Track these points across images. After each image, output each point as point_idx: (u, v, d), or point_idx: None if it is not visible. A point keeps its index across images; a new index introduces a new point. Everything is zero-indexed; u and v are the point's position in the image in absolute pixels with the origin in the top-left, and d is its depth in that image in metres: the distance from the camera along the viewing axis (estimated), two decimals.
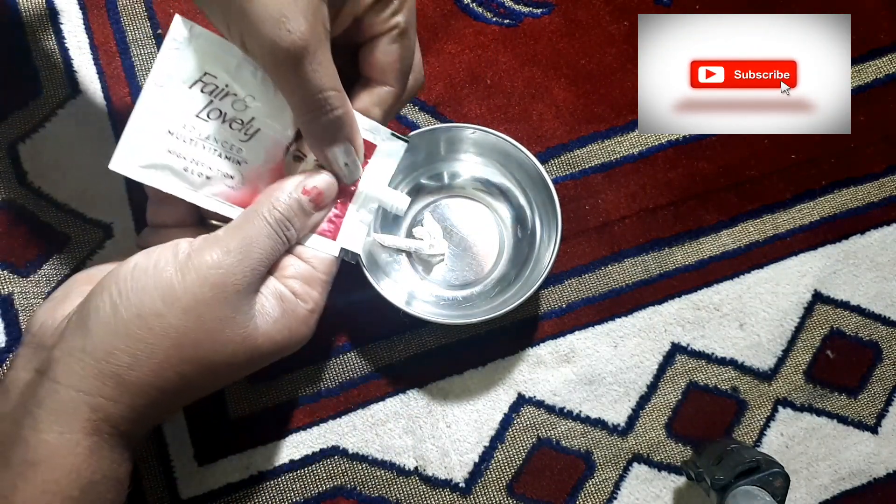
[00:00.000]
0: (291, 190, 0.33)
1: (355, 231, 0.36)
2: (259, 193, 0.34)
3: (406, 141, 0.36)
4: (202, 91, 0.32)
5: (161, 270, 0.29)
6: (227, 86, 0.32)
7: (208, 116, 0.32)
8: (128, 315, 0.29)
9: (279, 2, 0.27)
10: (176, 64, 0.31)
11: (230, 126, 0.33)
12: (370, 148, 0.35)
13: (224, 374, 0.32)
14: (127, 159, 0.32)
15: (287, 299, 0.33)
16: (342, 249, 0.35)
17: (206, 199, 0.33)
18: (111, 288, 0.29)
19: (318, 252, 0.35)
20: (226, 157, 0.33)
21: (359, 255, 0.36)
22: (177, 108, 0.32)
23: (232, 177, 0.33)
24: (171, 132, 0.32)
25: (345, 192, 0.35)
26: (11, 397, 0.29)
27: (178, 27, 0.31)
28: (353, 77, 0.34)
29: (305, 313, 0.33)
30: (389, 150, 0.36)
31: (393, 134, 0.35)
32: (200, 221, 0.37)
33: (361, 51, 0.33)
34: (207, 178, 0.33)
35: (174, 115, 0.32)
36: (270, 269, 0.33)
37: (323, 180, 0.34)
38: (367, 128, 0.34)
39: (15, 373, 0.30)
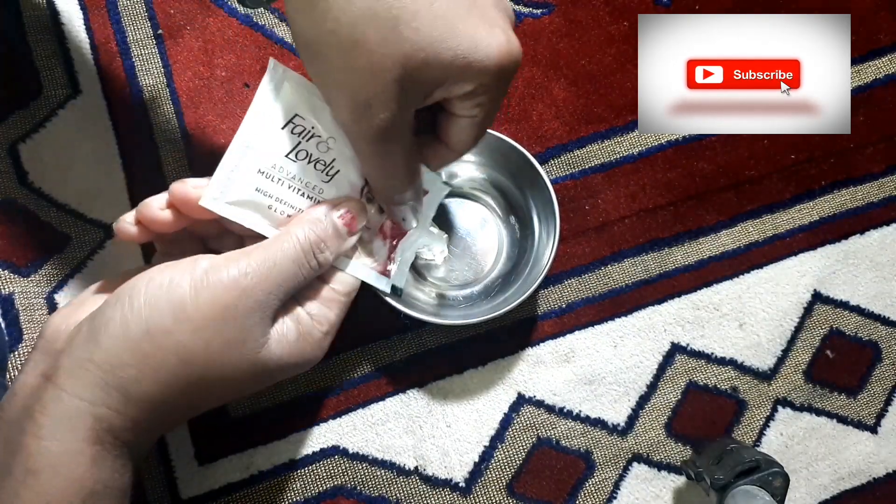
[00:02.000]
0: (327, 212, 0.33)
1: (402, 269, 0.38)
2: None
3: (450, 186, 0.39)
4: (292, 132, 0.33)
5: (175, 286, 0.29)
6: (313, 127, 0.33)
7: (296, 157, 0.33)
8: (137, 329, 0.28)
9: (368, 88, 0.27)
10: (271, 105, 0.32)
11: (315, 167, 0.34)
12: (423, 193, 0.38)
13: (230, 393, 0.32)
14: (217, 196, 0.32)
15: (303, 322, 0.32)
16: (392, 286, 0.38)
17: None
18: (124, 300, 0.29)
19: (341, 274, 0.35)
20: (308, 196, 0.34)
21: (402, 289, 0.38)
22: (269, 148, 0.33)
23: None
24: (262, 171, 0.33)
25: (397, 233, 0.37)
26: (18, 402, 0.29)
27: (274, 69, 0.32)
28: (429, 127, 0.34)
29: (320, 336, 0.33)
30: (435, 193, 0.38)
31: (444, 182, 0.38)
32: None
33: (442, 116, 0.32)
34: (288, 216, 0.34)
35: (266, 155, 0.33)
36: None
37: (355, 206, 0.34)
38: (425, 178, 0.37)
39: (24, 377, 0.30)
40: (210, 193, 0.32)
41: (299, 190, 0.34)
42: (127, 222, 0.34)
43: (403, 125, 0.29)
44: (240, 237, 0.36)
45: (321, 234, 0.32)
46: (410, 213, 0.36)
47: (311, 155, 0.33)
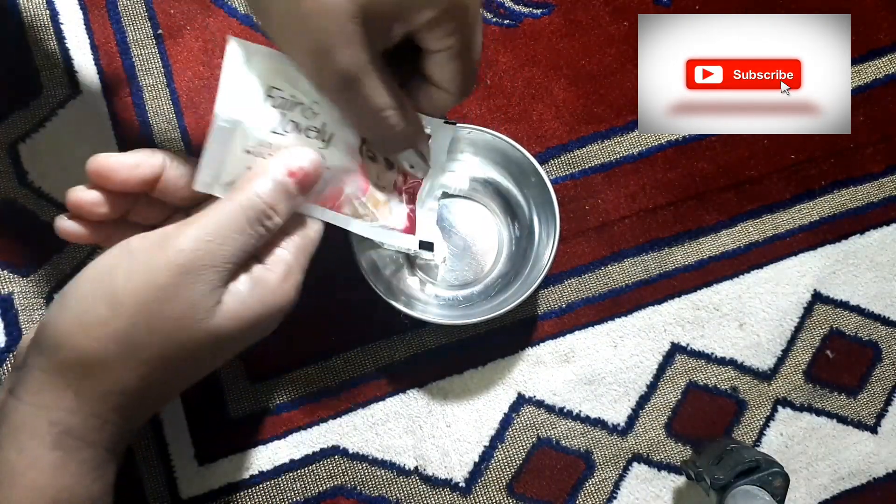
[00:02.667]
0: (275, 174, 0.30)
1: (427, 220, 0.36)
2: (344, 195, 0.33)
3: (454, 124, 0.36)
4: (273, 106, 0.32)
5: (105, 275, 0.28)
6: (292, 96, 0.32)
7: (284, 130, 0.32)
8: (71, 325, 0.28)
9: (322, 34, 0.26)
10: (244, 81, 0.31)
11: (307, 136, 0.32)
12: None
13: (192, 369, 0.31)
14: (209, 180, 0.32)
15: (255, 272, 0.30)
16: (420, 242, 0.36)
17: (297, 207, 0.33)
18: (59, 299, 0.28)
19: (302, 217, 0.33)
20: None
21: (433, 243, 0.37)
22: (252, 125, 0.31)
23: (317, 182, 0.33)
24: (250, 151, 0.32)
25: (413, 186, 0.36)
26: None
27: (234, 49, 0.31)
28: (417, 72, 0.33)
29: (276, 279, 0.31)
30: (440, 136, 0.36)
31: (446, 121, 0.36)
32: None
33: (422, 56, 0.31)
34: None
35: (250, 133, 0.31)
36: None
37: (308, 159, 0.31)
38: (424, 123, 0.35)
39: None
40: (202, 178, 0.31)
41: None
42: (65, 219, 0.33)
43: (371, 66, 0.28)
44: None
45: (268, 199, 0.30)
46: (417, 157, 0.34)
47: (299, 125, 0.32)
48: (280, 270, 0.31)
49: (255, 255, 0.31)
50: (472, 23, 0.29)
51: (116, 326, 0.28)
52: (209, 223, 0.29)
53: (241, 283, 0.30)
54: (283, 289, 0.31)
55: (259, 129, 0.31)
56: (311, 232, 0.33)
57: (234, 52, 0.31)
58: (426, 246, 0.36)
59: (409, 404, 0.45)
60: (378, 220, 0.35)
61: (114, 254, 0.29)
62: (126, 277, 0.28)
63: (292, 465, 0.44)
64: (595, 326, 0.47)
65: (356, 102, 0.29)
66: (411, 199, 0.36)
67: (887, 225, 0.50)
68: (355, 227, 0.34)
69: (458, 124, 0.36)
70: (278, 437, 0.44)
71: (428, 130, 0.35)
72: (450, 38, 0.29)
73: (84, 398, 0.28)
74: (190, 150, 0.46)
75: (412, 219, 0.36)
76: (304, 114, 0.32)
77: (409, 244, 0.35)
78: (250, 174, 0.31)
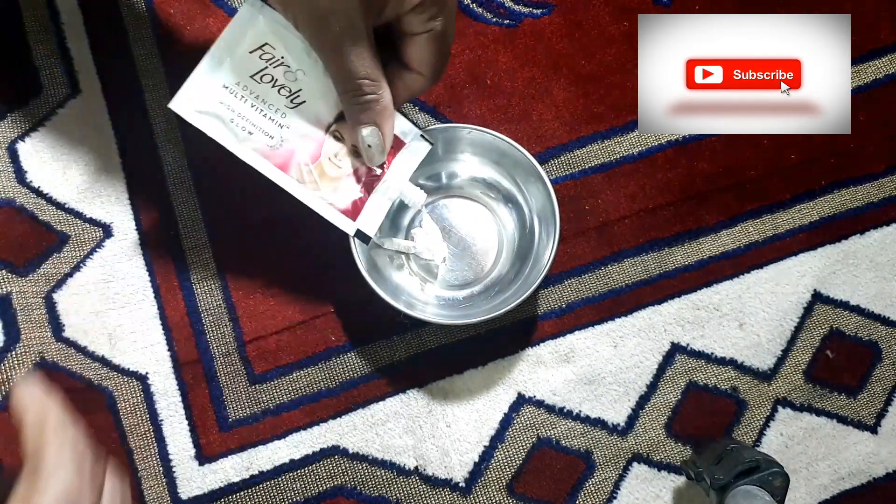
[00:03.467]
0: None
1: (373, 216, 0.39)
2: (294, 159, 0.37)
3: (431, 143, 0.39)
4: (261, 58, 0.36)
5: None
6: (282, 57, 0.36)
7: (261, 79, 0.36)
8: None
9: (326, 2, 0.31)
10: (242, 31, 0.35)
11: (278, 92, 0.36)
12: (399, 144, 0.39)
13: None
14: (185, 103, 0.35)
15: None
16: (358, 231, 0.38)
17: (245, 153, 0.36)
18: None
19: None
20: (269, 118, 0.36)
21: (371, 237, 0.39)
22: (236, 67, 0.36)
23: (272, 137, 0.37)
24: (226, 87, 0.36)
25: (371, 180, 0.38)
26: None
27: (246, 8, 0.35)
28: (394, 58, 0.36)
29: None
30: (415, 149, 0.39)
31: (422, 136, 0.39)
32: None
33: (402, 41, 0.35)
34: (249, 133, 0.36)
35: (232, 73, 0.36)
36: None
37: None
38: (401, 128, 0.38)
39: None
40: (179, 100, 0.35)
41: (261, 111, 0.36)
42: None
43: (363, 37, 0.32)
44: None
45: None
46: (372, 139, 0.36)
47: (276, 80, 0.36)
48: None
49: None
50: (452, 9, 0.34)
51: None
52: None
53: None
54: None
55: (241, 71, 0.36)
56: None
57: (250, 7, 0.35)
58: (362, 237, 0.38)
59: (409, 404, 0.45)
60: (319, 191, 0.38)
61: None
62: None
63: (292, 465, 0.44)
64: (595, 326, 0.47)
65: (344, 66, 0.33)
66: (366, 190, 0.38)
67: (887, 225, 0.50)
68: (294, 189, 0.37)
69: (433, 143, 0.39)
70: (278, 437, 0.44)
71: (406, 140, 0.39)
72: (432, 21, 0.33)
73: None
74: (190, 150, 0.46)
75: (357, 206, 0.38)
76: (285, 74, 0.36)
77: (345, 226, 0.38)
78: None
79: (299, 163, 0.37)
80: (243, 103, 0.36)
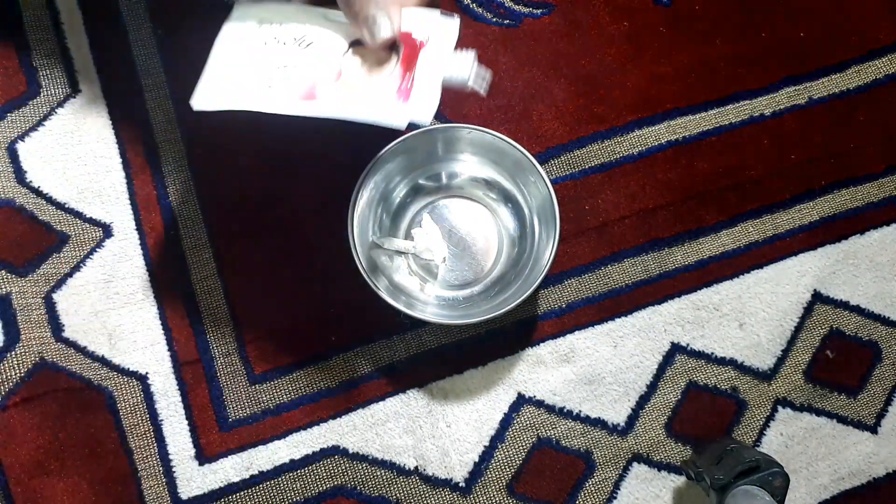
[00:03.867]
0: None
1: (425, 98, 0.34)
2: (319, 85, 0.35)
3: (452, 16, 0.36)
4: (259, 27, 0.36)
5: None
6: (281, 23, 0.36)
7: (266, 44, 0.36)
8: None
9: None
10: (237, 21, 0.36)
11: (285, 44, 0.36)
12: (425, 34, 0.36)
13: None
14: (209, 96, 0.35)
15: None
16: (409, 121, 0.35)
17: (273, 105, 0.35)
18: None
19: None
20: (283, 65, 0.36)
21: (431, 116, 0.35)
22: (245, 43, 0.36)
23: (288, 73, 0.35)
24: (239, 64, 0.36)
25: (408, 68, 0.35)
26: None
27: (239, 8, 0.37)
28: None
29: None
30: (445, 30, 0.36)
31: (442, 13, 0.36)
32: None
33: None
34: (269, 86, 0.35)
35: (243, 48, 0.36)
36: None
37: None
38: (418, 16, 0.35)
39: None
40: (200, 94, 0.35)
41: (273, 63, 0.36)
42: None
43: None
44: None
45: None
46: (379, 13, 0.34)
47: (279, 39, 0.36)
48: None
49: None
50: None
51: None
52: None
53: None
54: None
55: (251, 43, 0.36)
56: None
57: (239, 8, 0.36)
58: (414, 120, 0.35)
59: (409, 404, 0.45)
60: (355, 102, 0.35)
61: None
62: None
63: (292, 465, 0.44)
64: (595, 326, 0.47)
65: None
66: (407, 78, 0.35)
67: (887, 225, 0.50)
68: (330, 109, 0.35)
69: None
70: (278, 437, 0.44)
71: (427, 32, 0.35)
72: None
73: None
74: (190, 150, 0.46)
75: (405, 93, 0.35)
76: (288, 32, 0.36)
77: (398, 117, 0.34)
78: None
79: (325, 85, 0.35)
80: (258, 63, 0.36)
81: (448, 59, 0.35)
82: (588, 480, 0.45)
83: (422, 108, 0.34)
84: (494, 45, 0.49)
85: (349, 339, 0.45)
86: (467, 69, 0.35)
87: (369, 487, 0.44)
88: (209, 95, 0.35)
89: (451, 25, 0.36)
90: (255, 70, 0.36)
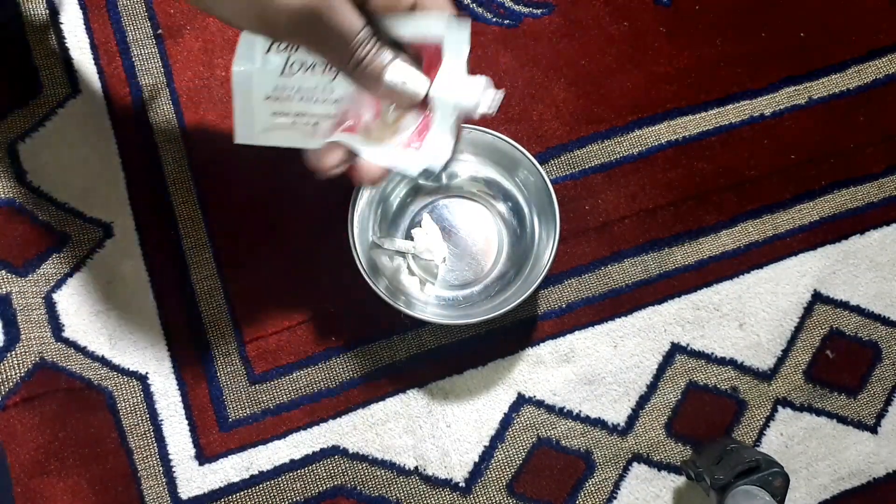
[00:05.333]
0: None
1: (440, 139, 0.32)
2: (361, 117, 0.34)
3: (461, 21, 0.32)
4: (277, 52, 0.34)
5: None
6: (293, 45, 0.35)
7: (292, 71, 0.34)
8: None
9: None
10: (252, 41, 0.34)
11: (311, 72, 0.34)
12: (436, 54, 0.33)
13: None
14: (246, 132, 0.35)
15: None
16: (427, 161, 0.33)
17: (320, 142, 0.33)
18: None
19: None
20: (320, 100, 0.35)
21: (446, 160, 0.33)
22: (264, 74, 0.35)
23: (334, 115, 0.34)
24: (269, 97, 0.35)
25: (422, 103, 0.33)
26: None
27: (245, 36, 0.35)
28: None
29: None
30: (456, 40, 0.32)
31: (448, 18, 0.32)
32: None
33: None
34: (315, 124, 0.35)
35: (264, 81, 0.35)
36: None
37: None
38: (426, 29, 0.32)
39: None
40: (240, 133, 0.35)
41: (310, 97, 0.35)
42: None
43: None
44: None
45: None
46: (401, 76, 0.31)
47: (304, 63, 0.34)
48: None
49: None
50: None
51: None
52: None
53: None
54: None
55: (269, 74, 0.34)
56: None
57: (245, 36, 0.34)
58: (433, 162, 0.33)
59: (409, 404, 0.45)
60: (388, 143, 0.33)
61: None
62: None
63: (292, 465, 0.44)
64: (595, 326, 0.47)
65: (330, 31, 0.29)
66: (424, 116, 0.33)
67: (887, 225, 0.50)
68: (365, 151, 0.33)
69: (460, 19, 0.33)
70: (278, 437, 0.44)
71: (435, 30, 0.32)
72: None
73: None
74: (190, 150, 0.46)
75: (422, 131, 0.33)
76: (307, 52, 0.33)
77: (412, 164, 0.32)
78: None
79: (366, 122, 0.34)
80: (291, 102, 0.35)
81: (461, 87, 0.33)
82: (588, 480, 0.45)
83: (437, 152, 0.32)
84: (494, 45, 0.49)
85: (349, 339, 0.45)
86: (481, 98, 0.33)
87: (369, 487, 0.44)
88: (250, 130, 0.35)
89: (462, 38, 0.33)
90: (292, 106, 0.35)
